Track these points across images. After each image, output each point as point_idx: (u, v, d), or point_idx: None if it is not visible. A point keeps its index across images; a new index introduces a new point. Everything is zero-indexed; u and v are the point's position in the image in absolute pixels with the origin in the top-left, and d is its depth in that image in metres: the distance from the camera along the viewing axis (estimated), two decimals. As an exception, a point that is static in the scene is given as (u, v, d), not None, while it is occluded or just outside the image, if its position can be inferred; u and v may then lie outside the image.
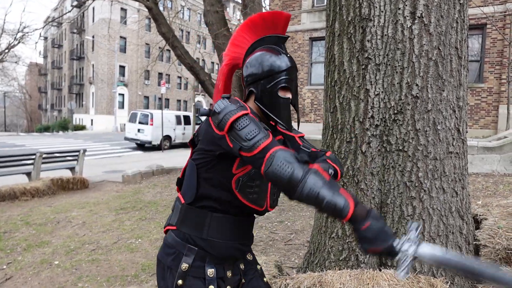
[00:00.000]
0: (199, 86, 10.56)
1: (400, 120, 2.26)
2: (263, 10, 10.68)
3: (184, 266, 1.26)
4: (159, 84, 42.62)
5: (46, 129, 40.70)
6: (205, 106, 40.36)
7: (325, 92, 2.62)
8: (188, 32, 39.83)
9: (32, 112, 61.57)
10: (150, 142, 16.64)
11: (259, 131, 1.16)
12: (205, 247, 1.29)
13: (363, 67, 2.31)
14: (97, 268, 3.59)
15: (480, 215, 2.75)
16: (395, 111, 2.27)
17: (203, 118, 1.35)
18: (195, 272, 1.27)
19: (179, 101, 47.42)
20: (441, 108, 2.24)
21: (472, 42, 10.97)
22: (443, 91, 2.24)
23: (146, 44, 40.51)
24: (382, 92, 2.29)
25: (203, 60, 16.85)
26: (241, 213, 1.35)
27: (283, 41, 1.43)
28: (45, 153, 7.94)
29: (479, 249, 2.45)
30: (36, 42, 12.40)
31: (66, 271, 3.54)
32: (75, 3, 38.21)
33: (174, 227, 1.34)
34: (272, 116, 1.33)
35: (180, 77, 44.52)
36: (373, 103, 2.30)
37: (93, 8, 39.38)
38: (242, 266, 1.42)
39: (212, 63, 45.78)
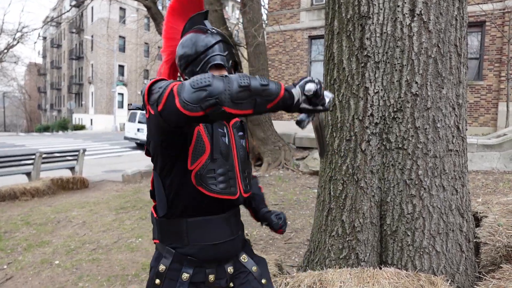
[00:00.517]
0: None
1: (399, 118, 2.25)
2: (262, 9, 10.67)
3: (162, 267, 1.24)
4: (158, 84, 42.40)
5: (46, 129, 40.68)
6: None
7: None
8: (187, 31, 39.72)
9: (32, 112, 61.54)
10: (149, 142, 16.61)
11: (171, 81, 1.05)
12: (188, 250, 1.24)
13: (362, 65, 2.31)
14: (97, 268, 3.59)
15: (480, 212, 2.75)
16: (395, 109, 2.26)
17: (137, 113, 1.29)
18: (171, 274, 1.24)
19: (178, 100, 47.32)
20: (440, 106, 2.24)
21: (471, 39, 10.97)
22: (443, 88, 2.24)
23: (145, 43, 40.47)
24: (381, 90, 2.29)
25: (202, 59, 16.80)
26: (216, 210, 1.27)
27: (204, 17, 1.34)
28: (45, 153, 7.93)
29: (479, 246, 2.45)
30: (35, 42, 12.40)
31: (66, 270, 3.54)
32: (73, 2, 38.14)
33: (157, 241, 1.31)
34: None
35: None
36: (372, 101, 2.30)
37: (92, 8, 39.34)
38: (230, 270, 1.32)
39: (212, 62, 45.60)
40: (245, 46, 9.63)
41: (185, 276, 1.23)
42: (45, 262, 3.74)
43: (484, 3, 10.40)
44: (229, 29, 9.67)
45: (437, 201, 2.26)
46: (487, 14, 10.28)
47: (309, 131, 10.90)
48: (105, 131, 34.24)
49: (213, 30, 1.31)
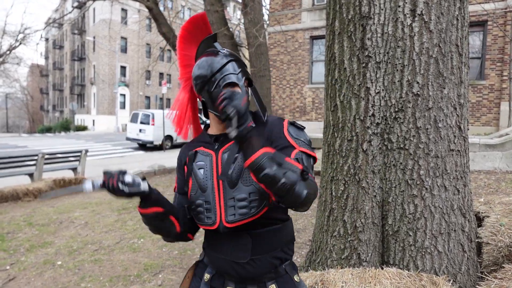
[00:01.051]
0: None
1: (401, 118, 2.25)
2: (263, 10, 10.68)
3: (206, 276, 1.33)
4: (160, 84, 42.63)
5: (48, 130, 40.80)
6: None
7: (326, 91, 2.62)
8: (189, 32, 39.75)
9: (34, 113, 61.72)
10: (151, 142, 16.66)
11: None
12: (206, 258, 1.36)
13: (364, 65, 2.31)
14: (99, 268, 3.60)
15: (482, 212, 2.74)
16: (396, 109, 2.26)
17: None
18: (199, 271, 1.37)
19: (180, 101, 47.35)
20: (442, 106, 2.24)
21: (473, 39, 10.94)
22: (444, 88, 2.24)
23: (147, 44, 40.54)
24: (382, 90, 2.29)
25: (204, 59, 16.82)
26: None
27: (213, 40, 1.39)
28: (47, 154, 7.96)
29: (481, 246, 2.45)
30: (37, 44, 12.45)
31: (69, 271, 3.55)
32: (75, 4, 38.25)
33: None
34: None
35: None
36: (373, 101, 2.30)
37: (94, 9, 39.43)
38: None
39: (213, 62, 45.66)
40: (246, 47, 9.64)
41: (206, 276, 1.31)
42: (48, 263, 3.76)
43: (486, 3, 10.38)
44: (231, 29, 9.68)
45: (439, 201, 2.25)
46: (489, 14, 10.26)
47: (310, 131, 10.83)
48: (107, 131, 34.31)
49: (225, 51, 1.35)
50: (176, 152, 15.64)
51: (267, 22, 14.14)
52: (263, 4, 11.49)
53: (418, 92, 2.22)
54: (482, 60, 10.96)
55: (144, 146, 17.37)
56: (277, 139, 1.26)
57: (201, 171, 1.29)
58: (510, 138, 6.22)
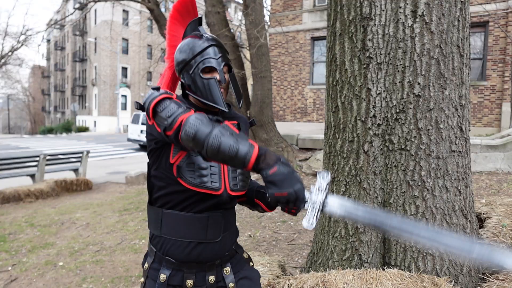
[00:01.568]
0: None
1: (402, 119, 2.25)
2: (264, 11, 10.69)
3: (146, 266, 1.31)
4: (161, 85, 42.56)
5: (50, 131, 40.89)
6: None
7: (327, 92, 2.62)
8: (190, 33, 39.81)
9: (36, 114, 61.86)
10: (153, 143, 16.65)
11: (177, 108, 1.15)
12: (162, 245, 1.27)
13: (365, 66, 2.31)
14: (101, 269, 3.60)
15: (483, 213, 2.74)
16: (397, 110, 2.26)
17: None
18: (151, 273, 1.28)
19: (181, 102, 47.45)
20: (443, 107, 2.24)
21: (475, 40, 10.93)
22: (445, 89, 2.23)
23: (148, 45, 40.62)
24: (384, 91, 2.29)
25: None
26: (195, 208, 1.27)
27: (199, 23, 1.42)
28: (48, 155, 7.97)
29: (483, 247, 2.45)
30: (39, 45, 12.50)
31: (70, 272, 3.55)
32: (77, 5, 38.35)
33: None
34: (204, 101, 1.29)
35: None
36: (375, 102, 2.30)
37: (95, 10, 39.53)
38: (211, 279, 1.28)
39: (214, 63, 45.74)
40: (247, 48, 9.65)
41: (162, 277, 1.25)
42: (49, 264, 3.76)
43: (487, 3, 10.37)
44: (232, 30, 9.69)
45: (440, 202, 2.25)
46: (490, 14, 10.25)
47: (311, 132, 10.84)
48: (109, 132, 34.37)
49: (207, 35, 1.37)
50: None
51: (268, 23, 14.16)
52: (264, 5, 11.51)
53: (419, 93, 2.22)
54: (483, 61, 10.94)
55: (145, 147, 17.38)
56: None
57: None
58: (511, 139, 6.21)
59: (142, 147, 17.56)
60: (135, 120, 17.55)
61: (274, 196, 1.03)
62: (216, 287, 1.31)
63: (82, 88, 44.96)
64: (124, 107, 41.06)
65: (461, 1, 2.27)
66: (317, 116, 13.69)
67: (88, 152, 8.87)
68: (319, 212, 1.06)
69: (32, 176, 7.74)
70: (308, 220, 1.04)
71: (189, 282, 1.26)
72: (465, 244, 0.97)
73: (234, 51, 9.12)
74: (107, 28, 35.55)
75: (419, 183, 2.24)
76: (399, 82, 2.25)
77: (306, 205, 1.06)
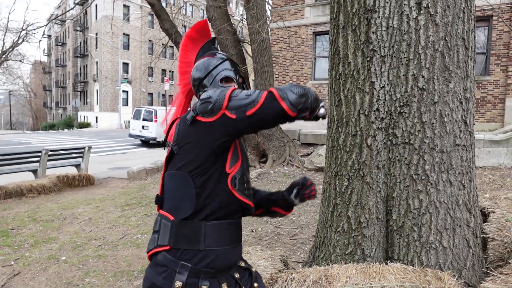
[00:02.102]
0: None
1: (406, 112, 2.23)
2: (266, 5, 10.62)
3: (178, 284, 1.20)
4: (162, 81, 42.67)
5: (51, 126, 40.94)
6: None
7: (330, 85, 2.60)
8: (191, 28, 39.64)
9: (37, 110, 61.94)
10: (154, 139, 16.68)
11: (253, 90, 1.25)
12: (203, 258, 1.23)
13: (368, 59, 2.29)
14: (103, 264, 3.61)
15: (487, 208, 2.72)
16: (401, 104, 2.24)
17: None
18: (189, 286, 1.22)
19: (183, 97, 47.38)
20: (447, 100, 2.21)
21: (478, 34, 10.85)
22: (450, 82, 2.21)
23: (149, 40, 40.51)
24: (387, 84, 2.27)
25: (206, 56, 16.81)
26: (233, 215, 1.34)
27: (212, 43, 1.56)
28: (50, 151, 7.98)
29: (487, 242, 2.43)
30: (40, 40, 12.45)
31: (73, 266, 3.56)
32: (77, 0, 38.23)
33: (167, 247, 1.26)
34: None
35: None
36: (378, 96, 2.28)
37: (96, 5, 39.41)
38: (236, 275, 1.35)
39: (216, 59, 45.64)
40: (249, 43, 9.60)
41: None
42: (52, 258, 3.77)
43: (491, -3, 10.26)
44: (233, 25, 9.64)
45: (444, 196, 2.24)
46: (494, 9, 10.16)
47: (313, 127, 10.82)
48: (110, 128, 34.40)
49: (221, 53, 1.52)
50: (179, 149, 15.63)
51: (270, 18, 14.08)
52: (266, -1, 11.43)
53: (424, 86, 2.19)
54: (487, 55, 10.87)
55: (147, 143, 17.40)
56: None
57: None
58: (515, 133, 6.18)
59: (144, 143, 17.57)
60: (136, 115, 17.54)
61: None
62: (241, 280, 1.37)
63: (83, 84, 44.95)
64: (126, 102, 41.04)
65: (467, -7, 2.24)
66: (319, 111, 13.64)
67: (90, 147, 8.87)
68: None
69: (34, 171, 7.75)
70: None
71: (224, 286, 1.28)
72: None
73: (236, 46, 9.08)
74: (108, 24, 35.43)
75: (423, 177, 2.23)
76: (403, 75, 2.23)
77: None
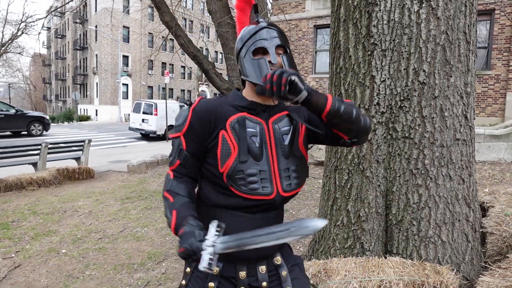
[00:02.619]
0: (203, 75, 10.50)
1: (406, 107, 2.23)
2: (267, -2, 10.53)
3: (188, 270, 1.31)
4: (162, 74, 42.53)
5: (51, 119, 40.90)
6: (209, 95, 40.17)
7: (330, 79, 2.59)
8: (191, 21, 39.55)
9: (37, 103, 61.84)
10: (154, 132, 16.67)
11: (173, 154, 1.28)
12: None
13: (369, 53, 2.27)
14: (103, 257, 3.62)
15: (487, 202, 2.73)
16: (402, 98, 2.23)
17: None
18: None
19: (183, 90, 47.35)
20: (448, 95, 2.21)
21: (480, 28, 10.78)
22: (451, 77, 2.20)
23: (149, 33, 40.30)
24: (388, 78, 2.26)
25: (206, 49, 16.79)
26: (245, 209, 1.26)
27: (255, 9, 1.40)
28: (50, 144, 7.98)
29: (485, 236, 2.44)
30: (39, 33, 12.37)
31: (73, 259, 3.58)
32: (77, -8, 37.93)
33: None
34: (255, 81, 1.23)
35: (183, 67, 44.39)
36: (379, 90, 2.27)
37: (96, -2, 39.15)
38: (262, 269, 1.29)
39: (216, 52, 45.54)
40: (249, 36, 9.53)
41: (215, 270, 1.25)
42: (52, 251, 3.79)
43: (493, -9, 10.19)
44: (234, 18, 9.57)
45: (444, 191, 2.24)
46: (496, 2, 10.08)
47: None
48: (110, 121, 34.36)
49: (261, 20, 1.35)
50: (179, 142, 15.62)
51: (271, 11, 13.98)
52: (267, -8, 11.34)
53: (424, 81, 2.19)
54: (488, 49, 10.82)
55: (147, 136, 17.39)
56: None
57: (254, 139, 1.25)
58: (515, 128, 6.17)
59: (144, 136, 17.57)
60: (136, 109, 17.52)
61: None
62: (268, 276, 1.31)
63: (83, 77, 44.81)
64: (126, 95, 40.95)
65: (469, -14, 2.22)
66: (319, 105, 13.61)
67: (90, 140, 8.87)
68: (212, 253, 1.09)
69: (34, 164, 7.75)
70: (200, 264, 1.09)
71: (242, 274, 1.26)
72: (273, 233, 1.09)
73: (236, 38, 9.03)
74: (108, 16, 35.22)
75: (423, 172, 2.23)
76: (404, 69, 2.22)
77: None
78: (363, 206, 2.35)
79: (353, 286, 1.97)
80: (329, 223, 2.53)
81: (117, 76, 37.90)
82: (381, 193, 2.34)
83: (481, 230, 2.44)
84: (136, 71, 41.81)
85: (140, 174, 8.23)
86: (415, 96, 2.21)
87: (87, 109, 43.31)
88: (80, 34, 45.35)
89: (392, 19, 2.22)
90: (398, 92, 2.24)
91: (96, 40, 40.69)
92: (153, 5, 9.69)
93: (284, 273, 1.33)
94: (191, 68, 29.87)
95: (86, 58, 43.59)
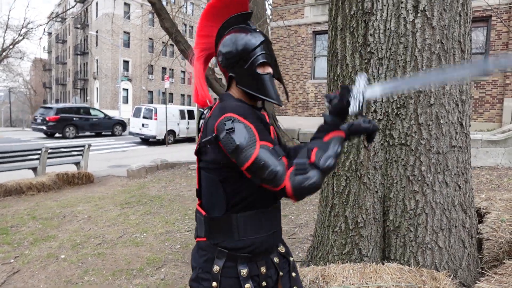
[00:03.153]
0: (203, 80, 10.51)
1: (403, 114, 2.26)
2: (266, 4, 10.62)
3: (216, 268, 1.27)
4: (163, 79, 42.62)
5: (51, 124, 40.84)
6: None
7: (328, 86, 2.62)
8: (192, 27, 39.70)
9: (37, 107, 61.83)
10: (154, 137, 16.70)
11: (277, 169, 1.17)
12: (239, 248, 1.28)
13: (366, 61, 2.31)
14: (102, 262, 3.63)
15: (483, 208, 2.75)
16: (398, 105, 2.27)
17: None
18: (227, 272, 1.28)
19: (183, 95, 47.46)
20: (444, 102, 2.24)
21: (477, 34, 10.86)
22: (446, 85, 2.23)
23: (150, 39, 40.46)
24: (385, 86, 2.29)
25: (206, 54, 16.79)
26: (265, 204, 1.32)
27: (248, 17, 1.37)
28: (50, 148, 8.00)
29: (482, 242, 2.46)
30: (40, 38, 12.45)
31: (72, 264, 3.59)
32: (78, -2, 38.11)
33: (204, 238, 1.33)
34: (260, 96, 1.29)
35: (183, 72, 44.51)
36: (375, 98, 2.30)
37: (97, 3, 39.36)
38: (276, 260, 1.38)
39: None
40: (249, 42, 9.60)
41: (243, 272, 1.27)
42: (51, 256, 3.80)
43: (491, -2, 10.27)
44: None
45: (440, 197, 2.26)
46: (493, 9, 10.17)
47: (312, 126, 10.82)
48: (110, 126, 34.32)
49: (259, 31, 1.36)
50: (179, 147, 15.68)
51: (270, 17, 14.08)
52: (266, -2, 11.43)
53: (420, 89, 2.22)
54: (485, 55, 10.88)
55: (147, 141, 17.42)
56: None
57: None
58: (513, 134, 6.21)
59: (144, 141, 17.59)
60: (136, 113, 17.55)
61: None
62: (280, 265, 1.39)
63: (83, 82, 44.91)
64: (126, 100, 41.02)
65: (463, -4, 2.26)
66: (318, 110, 13.66)
67: (89, 145, 8.89)
68: (363, 97, 1.19)
69: (34, 169, 7.77)
70: (352, 105, 1.20)
71: (263, 269, 1.32)
72: (479, 65, 1.10)
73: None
74: (109, 21, 35.38)
75: (419, 178, 2.25)
76: (400, 77, 2.25)
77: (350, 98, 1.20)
78: (360, 212, 2.37)
79: (351, 292, 1.98)
80: (327, 229, 2.55)
81: (117, 81, 37.99)
82: (378, 200, 2.37)
83: (477, 236, 2.46)
84: (136, 76, 41.92)
85: (140, 179, 8.25)
86: (411, 103, 2.24)
87: (87, 114, 43.29)
88: (81, 39, 45.53)
89: (388, 28, 2.26)
90: (395, 99, 2.28)
91: (96, 45, 40.84)
92: (153, 11, 9.76)
93: (291, 258, 1.45)
94: (191, 73, 29.90)
95: (87, 63, 43.72)
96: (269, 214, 1.34)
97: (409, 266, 2.19)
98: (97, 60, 40.63)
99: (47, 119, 18.27)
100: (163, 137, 16.65)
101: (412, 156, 2.25)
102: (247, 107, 1.26)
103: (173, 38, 9.59)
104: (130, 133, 17.87)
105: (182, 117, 18.06)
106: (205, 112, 1.37)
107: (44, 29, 14.60)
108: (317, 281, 2.12)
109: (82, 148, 8.67)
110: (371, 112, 2.32)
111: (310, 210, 4.99)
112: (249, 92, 1.30)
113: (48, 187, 7.16)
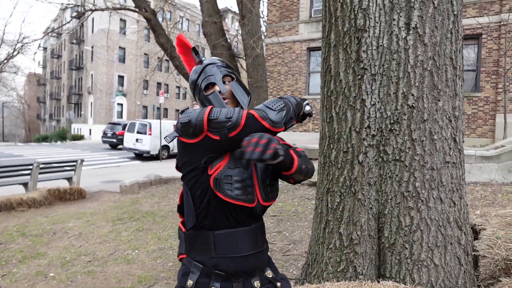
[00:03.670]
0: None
1: (396, 130, 2.26)
2: (261, 21, 10.78)
3: (190, 282, 1.30)
4: (157, 94, 42.76)
5: (44, 139, 40.58)
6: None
7: (322, 102, 2.63)
8: (187, 43, 39.98)
9: (31, 122, 61.53)
10: (148, 152, 16.62)
11: (233, 109, 1.28)
12: (214, 265, 1.30)
13: (359, 77, 2.32)
14: (92, 280, 3.54)
15: (478, 225, 2.73)
16: (392, 121, 2.27)
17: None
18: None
19: (177, 110, 47.50)
20: (437, 118, 2.24)
21: (468, 52, 11.07)
22: (439, 101, 2.25)
23: (145, 54, 40.71)
24: (378, 102, 2.30)
25: (201, 70, 16.91)
26: (240, 222, 1.34)
27: (194, 52, 1.58)
28: (42, 163, 7.91)
29: (478, 259, 2.43)
30: (35, 53, 12.44)
31: (61, 283, 3.49)
32: (74, 14, 38.44)
33: (185, 255, 1.39)
34: None
35: (178, 87, 44.69)
36: (369, 113, 2.31)
37: (93, 19, 39.68)
38: (257, 284, 1.36)
39: (211, 73, 45.93)
40: (244, 58, 9.70)
41: None
42: (40, 275, 3.70)
43: (480, 16, 10.53)
44: (228, 40, 9.74)
45: (435, 214, 2.24)
46: (483, 27, 10.40)
47: (307, 141, 10.84)
48: (104, 141, 34.11)
49: (203, 59, 1.55)
50: (173, 162, 15.58)
51: (265, 34, 14.26)
52: (261, 15, 11.61)
53: (413, 104, 2.23)
54: (477, 72, 11.07)
55: (141, 156, 17.32)
56: None
57: None
58: (506, 150, 6.25)
59: (138, 156, 17.49)
60: (130, 128, 17.50)
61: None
62: None
63: (78, 96, 44.86)
64: (120, 115, 40.95)
65: (454, 14, 2.30)
66: (313, 126, 13.73)
67: (82, 160, 8.81)
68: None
69: (25, 184, 7.66)
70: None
71: None
72: None
73: (231, 60, 9.16)
74: (104, 37, 35.62)
75: (414, 194, 2.24)
76: (393, 93, 2.26)
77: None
78: (355, 229, 2.34)
79: (346, 311, 1.94)
80: (321, 246, 2.51)
81: (112, 96, 37.98)
82: (373, 216, 2.34)
83: (473, 253, 2.44)
84: (131, 91, 42.00)
85: (133, 195, 8.15)
86: (404, 119, 2.24)
87: (81, 129, 43.15)
88: (76, 55, 45.69)
89: (381, 45, 2.28)
90: (388, 115, 2.28)
91: (92, 60, 40.99)
92: (149, 27, 9.85)
93: (278, 284, 1.43)
94: (185, 88, 30.04)
95: (81, 78, 43.79)
96: (250, 234, 1.35)
97: (405, 284, 2.15)
98: (92, 75, 40.72)
99: (117, 133, 21.56)
100: (157, 152, 16.57)
101: (407, 172, 2.25)
102: None
103: (168, 54, 9.66)
104: (124, 148, 17.78)
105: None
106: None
107: (40, 44, 14.65)
108: (312, 300, 2.07)
109: (74, 163, 8.58)
110: (365, 128, 2.32)
111: (304, 226, 4.94)
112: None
113: (39, 203, 7.04)
